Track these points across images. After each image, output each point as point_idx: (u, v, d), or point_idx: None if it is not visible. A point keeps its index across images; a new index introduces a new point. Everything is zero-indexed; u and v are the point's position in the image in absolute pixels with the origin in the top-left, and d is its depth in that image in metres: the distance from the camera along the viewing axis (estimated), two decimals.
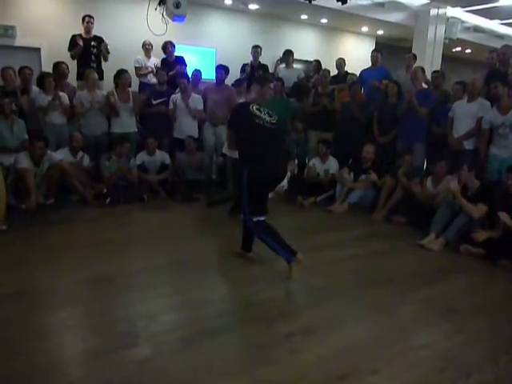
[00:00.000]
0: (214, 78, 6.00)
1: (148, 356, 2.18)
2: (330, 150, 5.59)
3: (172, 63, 6.33)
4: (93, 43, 5.92)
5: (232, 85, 6.08)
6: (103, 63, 6.07)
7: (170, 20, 5.41)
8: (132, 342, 2.29)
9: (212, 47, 8.31)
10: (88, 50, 5.89)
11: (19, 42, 6.57)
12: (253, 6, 8.34)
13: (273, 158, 3.22)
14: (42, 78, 5.17)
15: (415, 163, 5.15)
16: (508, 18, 9.17)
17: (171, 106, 5.65)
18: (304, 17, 9.11)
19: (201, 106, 5.77)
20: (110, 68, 5.89)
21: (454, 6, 8.64)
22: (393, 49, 9.81)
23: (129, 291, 2.89)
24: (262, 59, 6.78)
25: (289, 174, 4.99)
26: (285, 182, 5.13)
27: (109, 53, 6.01)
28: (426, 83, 5.67)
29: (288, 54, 6.76)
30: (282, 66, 6.88)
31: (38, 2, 6.71)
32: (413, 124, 5.19)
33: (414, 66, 5.91)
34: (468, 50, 11.60)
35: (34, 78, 5.28)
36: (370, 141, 5.44)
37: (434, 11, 8.60)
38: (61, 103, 5.12)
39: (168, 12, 5.25)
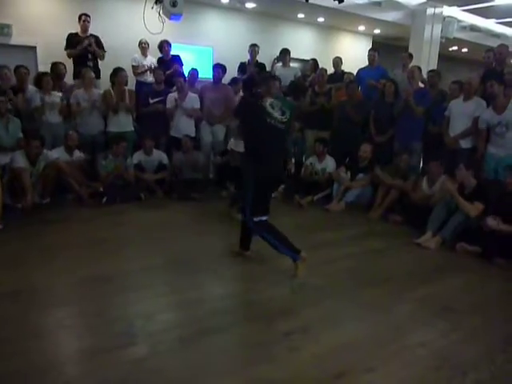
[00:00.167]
0: (211, 76, 6.00)
1: (145, 355, 2.18)
2: (326, 149, 5.60)
3: (168, 62, 6.31)
4: (87, 41, 5.88)
5: (228, 83, 6.08)
6: (100, 62, 6.05)
7: (166, 18, 5.39)
8: (129, 341, 2.29)
9: (209, 46, 8.29)
10: (85, 49, 5.86)
11: (15, 40, 6.52)
12: (250, 5, 8.32)
13: (278, 159, 3.23)
14: (40, 78, 5.15)
15: (412, 162, 5.17)
16: (504, 17, 9.19)
17: (169, 104, 5.65)
18: (301, 15, 9.11)
19: (197, 105, 5.76)
20: (106, 67, 5.86)
21: (450, 5, 8.66)
22: (390, 48, 9.82)
23: (125, 290, 2.89)
24: (259, 58, 6.78)
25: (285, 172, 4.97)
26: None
27: (102, 48, 5.97)
28: (423, 82, 5.68)
29: (285, 52, 6.76)
30: (279, 64, 6.88)
31: (34, 1, 6.67)
32: (410, 123, 5.21)
33: (411, 65, 5.93)
34: (464, 49, 11.62)
35: (30, 77, 5.25)
36: (366, 140, 5.46)
37: (430, 10, 8.61)
38: (52, 104, 5.09)
39: (164, 10, 5.23)
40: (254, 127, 3.21)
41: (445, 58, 10.00)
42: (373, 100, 5.80)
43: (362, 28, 10.11)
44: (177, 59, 6.41)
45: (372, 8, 8.53)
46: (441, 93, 5.35)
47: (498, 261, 3.67)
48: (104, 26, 6.55)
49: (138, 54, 6.44)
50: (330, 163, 5.56)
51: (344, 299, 2.93)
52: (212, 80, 5.99)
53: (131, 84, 6.06)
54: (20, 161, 4.47)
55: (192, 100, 5.71)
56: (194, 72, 6.10)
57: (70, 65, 5.84)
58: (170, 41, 6.39)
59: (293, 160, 5.79)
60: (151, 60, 6.43)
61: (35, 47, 6.72)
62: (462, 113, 4.77)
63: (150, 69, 6.30)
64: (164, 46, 6.29)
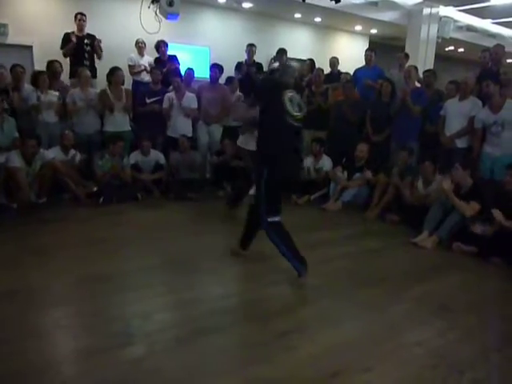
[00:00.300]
0: (208, 76, 6.00)
1: (142, 355, 2.18)
2: (323, 148, 5.61)
3: (165, 62, 6.30)
4: (86, 41, 5.88)
5: (224, 83, 6.08)
6: (96, 61, 6.04)
7: (163, 18, 5.39)
8: (126, 341, 2.29)
9: (205, 46, 8.29)
10: (81, 48, 5.84)
11: (11, 39, 6.50)
12: (246, 5, 8.32)
13: (293, 158, 3.14)
14: (36, 76, 5.14)
15: (409, 161, 5.18)
16: (500, 18, 9.23)
17: (166, 104, 5.64)
18: (298, 15, 9.11)
19: (195, 105, 5.76)
20: (103, 66, 5.85)
21: (446, 5, 8.69)
22: (386, 48, 9.83)
23: (123, 290, 2.88)
24: (256, 58, 6.78)
25: None
26: None
27: (102, 51, 5.97)
28: (419, 82, 5.71)
29: (282, 52, 6.74)
30: (276, 64, 6.87)
31: (31, 0, 6.65)
32: (406, 123, 5.23)
33: (407, 64, 5.95)
34: (461, 49, 11.66)
35: (27, 76, 5.24)
36: (363, 140, 5.47)
37: (426, 10, 8.63)
38: (49, 102, 5.08)
39: (161, 10, 5.22)
40: (272, 124, 3.03)
41: (441, 57, 10.03)
42: (369, 100, 5.82)
43: (358, 28, 10.13)
44: (173, 59, 6.41)
45: (368, 8, 8.55)
46: (437, 92, 5.37)
47: (494, 260, 3.69)
48: (100, 26, 6.53)
49: (134, 54, 6.43)
50: (326, 163, 5.57)
51: (341, 298, 2.93)
52: (209, 80, 5.99)
53: (128, 83, 6.04)
54: (15, 160, 4.46)
55: (190, 99, 5.71)
56: (190, 72, 6.10)
57: (66, 64, 5.83)
58: (167, 40, 6.39)
59: None
60: (148, 59, 6.41)
61: (31, 46, 6.70)
62: (457, 112, 4.79)
63: (146, 69, 6.29)
64: (161, 46, 6.29)
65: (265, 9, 8.62)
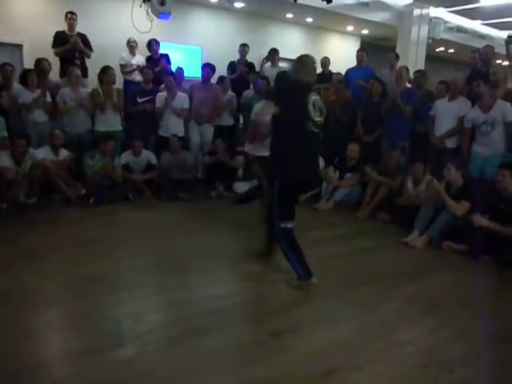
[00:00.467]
0: (200, 76, 5.98)
1: (133, 356, 2.17)
2: None
3: (157, 61, 6.28)
4: (74, 39, 5.82)
5: (216, 82, 6.08)
6: (87, 60, 5.99)
7: (155, 17, 5.37)
8: (117, 342, 2.27)
9: (198, 45, 8.27)
10: (72, 47, 5.79)
11: (1, 38, 6.44)
12: (238, 4, 8.32)
13: (309, 163, 3.01)
14: (25, 75, 5.09)
15: (401, 160, 5.21)
16: (489, 19, 9.32)
17: (159, 104, 5.61)
18: (289, 15, 9.13)
19: (187, 105, 5.74)
20: (94, 65, 5.80)
21: (436, 7, 8.76)
22: (377, 48, 9.89)
23: (115, 291, 2.87)
24: (248, 57, 6.78)
25: None
26: None
27: (92, 50, 5.92)
28: (410, 82, 5.75)
29: (273, 52, 6.76)
30: (268, 64, 6.89)
31: None
32: (397, 123, 5.27)
33: (398, 65, 5.99)
34: (451, 50, 11.77)
35: (16, 74, 5.18)
36: (354, 139, 5.49)
37: (417, 11, 8.70)
38: (45, 100, 5.04)
39: (153, 9, 5.21)
40: (291, 124, 2.83)
41: (432, 58, 10.11)
42: (361, 100, 5.85)
43: (350, 28, 10.18)
44: (165, 58, 6.38)
45: (360, 9, 8.59)
46: (428, 93, 5.41)
47: (484, 258, 3.72)
48: (92, 25, 6.49)
49: (126, 53, 6.39)
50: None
51: (334, 298, 2.94)
52: (201, 79, 5.98)
53: (119, 83, 6.01)
54: (4, 160, 4.41)
55: (182, 99, 5.69)
56: (179, 71, 6.09)
57: (56, 63, 5.78)
58: (159, 40, 6.37)
59: None
60: (140, 59, 6.38)
61: (21, 45, 6.65)
62: (447, 112, 4.83)
63: (138, 68, 6.26)
64: (152, 44, 6.27)
65: (257, 9, 8.63)
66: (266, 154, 3.61)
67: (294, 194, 3.12)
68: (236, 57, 6.74)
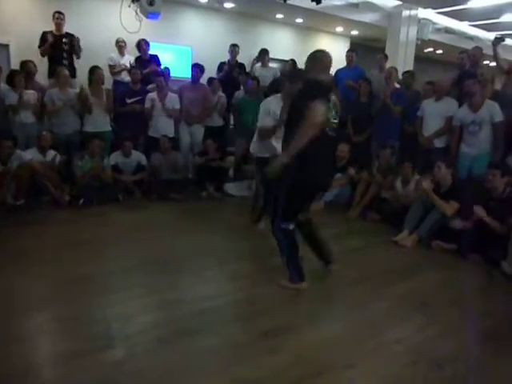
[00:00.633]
0: (190, 76, 5.97)
1: (123, 357, 2.15)
2: None
3: (146, 61, 6.25)
4: (64, 40, 5.76)
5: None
6: (76, 61, 5.94)
7: (144, 17, 5.34)
8: (107, 343, 2.26)
9: (187, 45, 8.25)
10: (59, 48, 5.73)
11: None
12: (228, 5, 8.31)
13: (326, 166, 2.90)
14: (12, 76, 5.03)
15: (391, 160, 5.25)
16: (477, 20, 9.42)
17: (148, 104, 5.58)
18: (279, 16, 9.14)
19: (178, 105, 5.72)
20: (82, 66, 5.75)
21: (425, 8, 8.83)
22: (367, 49, 9.94)
23: (105, 292, 2.85)
24: (238, 58, 6.78)
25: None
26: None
27: (81, 50, 5.87)
28: (398, 83, 5.79)
29: (264, 53, 6.77)
30: (258, 65, 6.90)
31: None
32: (387, 123, 5.30)
33: (387, 65, 6.03)
34: (439, 51, 11.86)
35: (3, 75, 5.12)
36: (344, 140, 5.51)
37: (406, 12, 8.76)
38: (28, 101, 4.99)
39: (142, 9, 5.18)
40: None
41: (420, 59, 10.19)
42: (350, 100, 5.87)
43: (339, 29, 10.22)
44: (155, 59, 6.36)
45: (349, 9, 8.63)
46: (417, 94, 5.45)
47: (472, 257, 3.76)
48: (80, 25, 6.43)
49: (114, 53, 6.35)
50: None
51: (324, 297, 2.95)
52: (190, 80, 5.97)
53: (108, 83, 5.97)
54: None
55: (172, 100, 5.68)
56: (166, 71, 6.08)
57: (44, 64, 5.73)
58: (148, 40, 6.32)
59: None
60: (129, 59, 6.34)
61: (8, 45, 6.57)
62: (434, 113, 4.88)
63: (127, 68, 6.22)
64: (142, 45, 6.22)
65: (247, 9, 8.62)
66: (270, 154, 3.61)
67: (305, 195, 2.97)
68: (226, 57, 6.73)
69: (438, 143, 4.91)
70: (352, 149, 5.35)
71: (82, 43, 5.90)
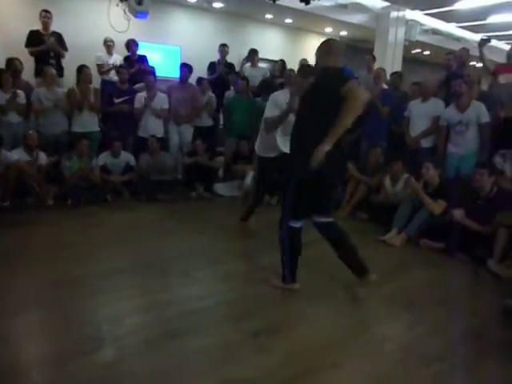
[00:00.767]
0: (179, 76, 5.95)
1: (114, 359, 2.14)
2: None
3: (135, 61, 6.21)
4: (51, 39, 5.71)
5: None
6: (63, 60, 5.87)
7: (132, 17, 5.31)
8: (96, 345, 2.24)
9: (176, 45, 8.22)
10: (47, 48, 5.67)
11: None
12: (217, 5, 8.30)
13: (340, 161, 2.89)
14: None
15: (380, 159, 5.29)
16: (464, 22, 9.54)
17: (138, 104, 5.55)
18: (269, 16, 9.16)
19: (166, 105, 5.70)
20: (70, 65, 5.70)
21: (413, 9, 8.92)
22: (355, 49, 10.00)
23: (94, 294, 2.82)
24: (228, 58, 6.77)
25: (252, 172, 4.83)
26: (250, 180, 5.08)
27: (67, 50, 5.80)
28: (386, 84, 5.85)
29: (253, 53, 6.78)
30: (248, 65, 6.90)
31: None
32: (376, 123, 5.34)
33: (375, 66, 6.08)
34: (427, 52, 11.98)
35: None
36: None
37: (394, 14, 8.84)
38: (16, 102, 4.92)
39: (130, 8, 5.16)
40: (330, 120, 2.65)
41: (408, 60, 10.29)
42: None
43: (328, 30, 10.26)
44: (143, 59, 6.32)
45: (338, 10, 8.68)
46: (404, 94, 5.51)
47: (459, 256, 3.81)
48: (68, 24, 6.38)
49: (102, 53, 6.30)
50: None
51: (313, 297, 2.95)
52: (179, 80, 5.95)
53: (96, 83, 5.92)
54: None
55: (161, 100, 5.65)
56: (152, 71, 6.06)
57: (31, 63, 5.66)
58: (137, 40, 6.30)
59: None
60: (117, 58, 6.30)
61: None
62: (421, 113, 4.93)
63: (114, 67, 6.18)
64: (131, 45, 6.19)
65: (236, 9, 8.62)
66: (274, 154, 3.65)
67: (315, 191, 2.84)
68: (215, 57, 6.72)
69: (425, 143, 4.96)
70: None
71: (69, 42, 5.87)
